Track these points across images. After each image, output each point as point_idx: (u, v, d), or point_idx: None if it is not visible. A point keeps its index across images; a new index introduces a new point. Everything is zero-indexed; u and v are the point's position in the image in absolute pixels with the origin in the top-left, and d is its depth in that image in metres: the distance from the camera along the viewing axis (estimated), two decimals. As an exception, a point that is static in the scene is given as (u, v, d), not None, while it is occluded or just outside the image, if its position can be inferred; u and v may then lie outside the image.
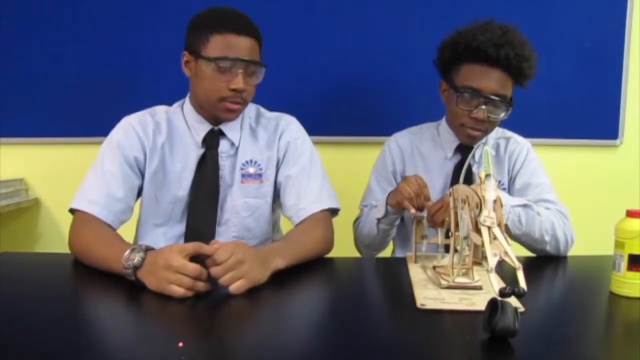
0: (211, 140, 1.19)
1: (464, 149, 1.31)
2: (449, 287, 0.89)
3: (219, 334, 0.75)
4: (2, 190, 1.73)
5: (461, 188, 0.88)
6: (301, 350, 0.68)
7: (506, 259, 0.72)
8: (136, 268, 0.88)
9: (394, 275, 1.05)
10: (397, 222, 1.28)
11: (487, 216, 0.75)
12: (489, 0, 1.68)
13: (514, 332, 0.65)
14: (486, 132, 1.27)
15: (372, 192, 1.37)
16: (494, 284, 0.68)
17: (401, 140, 1.40)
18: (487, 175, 0.79)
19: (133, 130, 1.17)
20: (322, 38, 1.76)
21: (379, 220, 1.24)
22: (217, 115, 1.16)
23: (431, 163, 1.35)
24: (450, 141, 1.34)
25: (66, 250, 1.09)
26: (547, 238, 1.16)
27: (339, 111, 1.79)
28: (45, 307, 0.81)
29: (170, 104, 1.27)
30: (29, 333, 0.70)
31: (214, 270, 0.85)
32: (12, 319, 0.76)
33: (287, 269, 0.98)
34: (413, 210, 1.09)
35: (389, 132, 1.45)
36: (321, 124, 1.74)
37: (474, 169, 1.31)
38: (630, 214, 0.88)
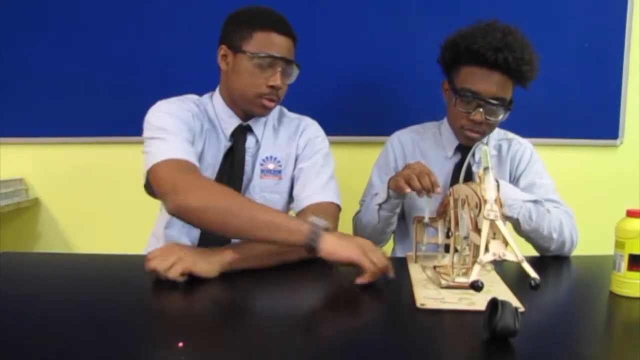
0: (239, 135, 1.19)
1: (464, 149, 1.32)
2: (448, 287, 0.89)
3: (219, 334, 0.75)
4: (2, 190, 1.73)
5: (461, 188, 0.88)
6: (301, 350, 0.68)
7: (507, 256, 0.72)
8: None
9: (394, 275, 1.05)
10: (398, 209, 1.28)
11: (490, 210, 0.75)
12: (490, 0, 1.68)
13: (514, 332, 0.65)
14: (484, 134, 1.27)
15: (373, 187, 1.37)
16: (472, 275, 0.69)
17: (403, 137, 1.40)
18: (486, 169, 0.79)
19: (184, 108, 1.14)
20: (323, 38, 1.75)
21: (380, 206, 1.23)
22: (250, 110, 1.16)
23: (432, 162, 1.34)
24: (451, 140, 1.34)
25: (66, 250, 1.09)
26: (554, 236, 1.17)
27: (340, 111, 1.79)
28: (45, 307, 0.81)
29: None
30: (29, 333, 0.70)
31: (148, 265, 0.90)
32: (12, 318, 0.76)
33: (287, 267, 0.98)
34: (408, 190, 1.09)
35: (390, 132, 1.45)
36: (322, 124, 1.74)
37: (474, 168, 1.31)
38: (631, 214, 0.88)
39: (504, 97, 1.20)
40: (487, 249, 0.73)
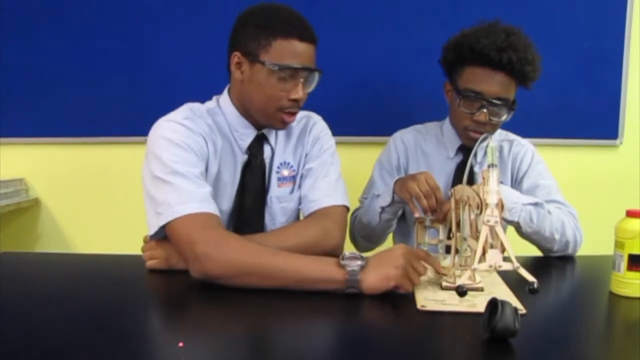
0: (256, 147, 1.12)
1: (466, 149, 1.32)
2: (449, 289, 0.89)
3: (219, 334, 0.75)
4: (2, 190, 1.73)
5: (463, 189, 0.88)
6: (300, 350, 0.68)
7: (503, 267, 0.72)
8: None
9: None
10: (400, 212, 1.27)
11: (491, 215, 0.75)
12: (491, 1, 1.68)
13: (514, 332, 0.66)
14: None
15: (374, 185, 1.37)
16: (460, 280, 0.71)
17: (406, 136, 1.40)
18: (491, 166, 0.79)
19: (196, 132, 1.04)
20: (324, 37, 1.75)
21: (382, 209, 1.22)
22: (269, 125, 1.10)
23: (434, 162, 1.35)
24: (452, 141, 1.34)
25: (66, 250, 1.09)
26: (557, 237, 1.17)
27: (341, 111, 1.78)
28: (45, 307, 0.81)
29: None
30: (29, 333, 0.70)
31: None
32: (12, 318, 0.76)
33: None
34: (417, 214, 1.08)
35: (391, 132, 1.45)
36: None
37: (476, 169, 1.31)
38: (630, 214, 0.88)
39: (507, 97, 1.20)
40: (483, 256, 0.73)
